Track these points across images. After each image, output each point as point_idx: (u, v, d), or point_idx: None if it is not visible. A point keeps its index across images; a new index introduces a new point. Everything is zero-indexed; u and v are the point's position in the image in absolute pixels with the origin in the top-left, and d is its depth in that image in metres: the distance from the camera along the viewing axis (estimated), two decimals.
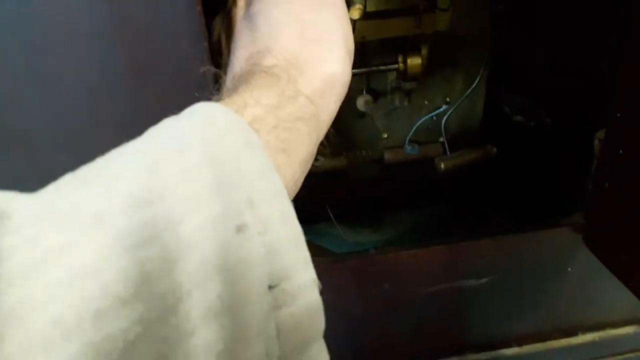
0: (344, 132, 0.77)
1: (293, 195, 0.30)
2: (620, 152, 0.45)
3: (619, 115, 0.44)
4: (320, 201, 0.83)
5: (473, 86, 0.70)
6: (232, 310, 0.19)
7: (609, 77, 0.47)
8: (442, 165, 0.71)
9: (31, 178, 0.42)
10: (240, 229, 0.21)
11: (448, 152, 0.75)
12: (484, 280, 0.55)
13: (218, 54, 0.41)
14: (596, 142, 0.49)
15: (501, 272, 0.55)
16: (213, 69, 0.38)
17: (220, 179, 0.21)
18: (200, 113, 0.25)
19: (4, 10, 0.33)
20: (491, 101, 0.75)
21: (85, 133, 0.40)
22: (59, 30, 0.35)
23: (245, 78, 0.31)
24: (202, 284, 0.18)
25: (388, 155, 0.79)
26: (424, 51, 0.64)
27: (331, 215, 0.85)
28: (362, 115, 0.75)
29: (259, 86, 0.30)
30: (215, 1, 0.36)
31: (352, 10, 0.50)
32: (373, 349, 0.55)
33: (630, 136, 0.43)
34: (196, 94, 0.34)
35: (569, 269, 0.56)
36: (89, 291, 0.16)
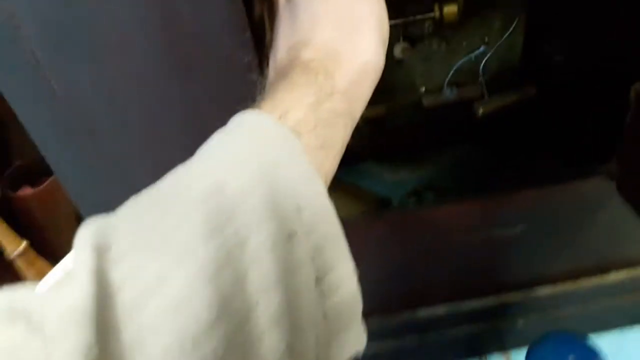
0: (381, 80, 0.78)
1: (331, 178, 0.32)
2: None
3: None
4: (362, 146, 0.86)
5: (512, 28, 0.69)
6: (290, 310, 0.23)
7: None
8: (481, 110, 0.72)
9: (96, 164, 0.47)
10: (291, 235, 0.24)
11: (486, 94, 0.75)
12: (519, 228, 0.58)
13: (261, 30, 0.43)
14: (632, 94, 0.49)
15: (536, 220, 0.58)
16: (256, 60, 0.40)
17: (274, 191, 0.25)
18: (249, 126, 0.29)
19: (67, 26, 0.37)
20: (530, 41, 0.73)
21: (143, 126, 0.44)
22: (114, 39, 0.38)
23: (285, 72, 0.34)
24: (265, 292, 0.22)
25: (427, 100, 0.80)
26: None
27: (369, 160, 0.88)
28: (400, 62, 0.76)
29: (298, 84, 0.32)
30: None
31: None
32: (414, 292, 0.60)
33: None
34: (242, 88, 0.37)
35: (602, 215, 0.58)
36: (185, 321, 0.20)
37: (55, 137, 0.44)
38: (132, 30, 0.38)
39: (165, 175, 0.28)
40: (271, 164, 0.26)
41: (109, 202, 0.30)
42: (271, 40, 0.41)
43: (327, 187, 0.28)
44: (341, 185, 0.85)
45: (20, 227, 0.94)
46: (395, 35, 0.72)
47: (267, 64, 0.40)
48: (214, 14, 0.38)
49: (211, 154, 0.28)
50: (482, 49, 0.75)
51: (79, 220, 0.27)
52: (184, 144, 0.46)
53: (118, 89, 0.41)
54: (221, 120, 0.45)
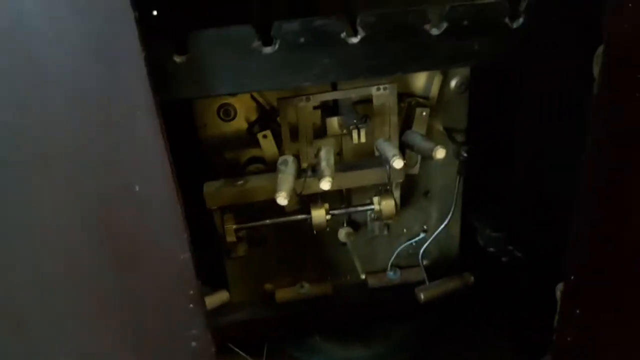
0: (327, 261, 0.81)
1: None
2: (577, 311, 0.47)
3: (572, 277, 0.47)
4: (309, 323, 0.84)
5: (447, 220, 0.74)
6: None
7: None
8: (422, 296, 0.74)
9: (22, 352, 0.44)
10: None
11: (426, 279, 0.77)
12: None
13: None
14: (558, 293, 0.52)
15: None
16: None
17: None
18: None
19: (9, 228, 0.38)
20: (467, 230, 0.78)
21: (76, 314, 0.43)
22: (59, 237, 0.39)
23: None
24: None
25: (371, 281, 0.82)
26: (397, 193, 0.69)
27: (317, 336, 0.86)
28: (345, 244, 0.79)
29: None
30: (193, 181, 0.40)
31: (323, 182, 0.54)
32: None
33: (584, 298, 0.46)
34: None
35: None
36: None
37: None
38: (75, 227, 0.39)
39: None
40: None
41: None
42: None
43: None
44: None
45: None
46: (340, 221, 0.76)
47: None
48: (152, 218, 0.40)
49: None
50: (421, 235, 0.79)
51: None
52: (114, 333, 0.45)
53: (52, 281, 0.41)
54: (156, 317, 0.45)
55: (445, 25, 0.44)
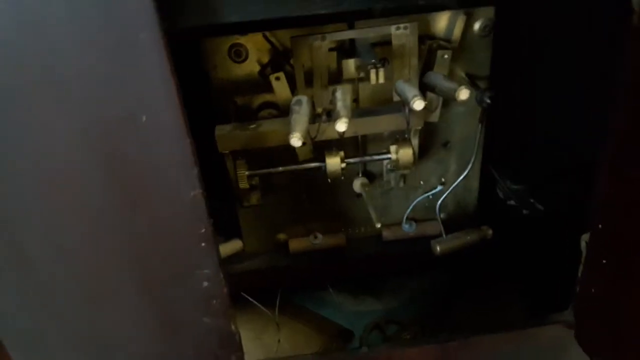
0: (341, 212, 0.79)
1: None
2: (604, 261, 0.45)
3: (600, 226, 0.45)
4: (321, 275, 0.84)
5: (467, 171, 0.72)
6: None
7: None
8: (438, 248, 0.72)
9: (29, 291, 0.44)
10: None
11: (444, 232, 0.75)
12: None
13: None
14: (583, 244, 0.50)
15: None
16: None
17: None
18: None
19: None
20: (487, 183, 0.76)
21: (84, 254, 0.42)
22: (59, 172, 0.37)
23: None
24: None
25: (386, 233, 0.81)
26: (415, 141, 0.66)
27: (330, 288, 0.86)
28: (360, 195, 0.77)
29: None
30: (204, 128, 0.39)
31: (339, 124, 0.52)
32: None
33: (612, 247, 0.44)
34: None
35: None
36: None
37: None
38: (78, 162, 0.37)
39: None
40: None
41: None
42: None
43: None
44: (303, 314, 0.82)
45: None
46: (355, 170, 0.74)
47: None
48: (159, 151, 0.38)
49: None
50: (439, 188, 0.77)
51: None
52: (123, 273, 0.44)
53: (60, 218, 0.40)
54: (167, 256, 0.44)
55: None
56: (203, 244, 0.43)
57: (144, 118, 0.37)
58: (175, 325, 0.47)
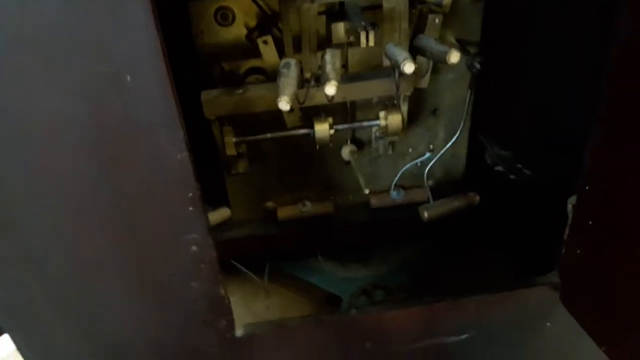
0: (330, 179, 0.79)
1: None
2: (590, 222, 0.46)
3: (587, 188, 0.45)
4: (309, 243, 0.84)
5: (455, 138, 0.72)
6: None
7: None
8: (426, 214, 0.72)
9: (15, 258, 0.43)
10: None
11: (431, 199, 0.76)
12: (464, 336, 0.56)
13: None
14: (569, 207, 0.51)
15: (481, 329, 0.56)
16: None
17: None
18: None
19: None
20: (474, 149, 0.76)
21: (71, 219, 0.41)
22: (43, 133, 0.36)
23: None
24: None
25: (374, 200, 0.81)
26: (404, 107, 0.65)
27: (319, 255, 0.86)
28: (348, 162, 0.76)
29: None
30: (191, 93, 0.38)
31: (328, 87, 0.51)
32: None
33: (597, 209, 0.45)
34: None
35: (548, 324, 0.57)
36: None
37: None
38: (61, 124, 0.36)
39: None
40: None
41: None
42: None
43: None
44: (292, 281, 0.82)
45: None
46: (344, 138, 0.74)
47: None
48: (145, 112, 0.37)
49: None
50: (427, 155, 0.77)
51: None
52: (111, 238, 0.44)
53: (44, 182, 0.39)
54: (154, 219, 0.43)
55: None
56: (191, 208, 0.43)
57: (128, 78, 0.36)
58: (164, 290, 0.47)
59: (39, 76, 0.35)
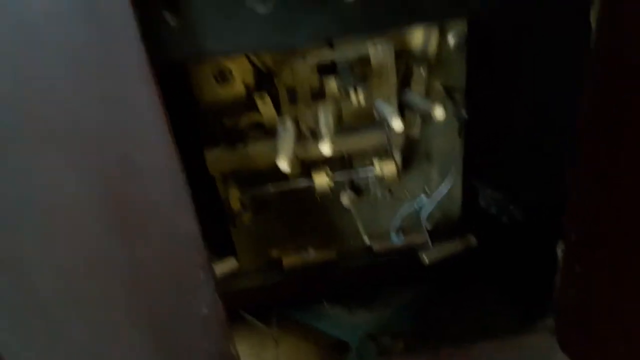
0: (331, 226, 0.81)
1: None
2: (578, 269, 0.48)
3: (572, 236, 0.47)
4: (315, 288, 0.85)
5: (448, 185, 0.74)
6: None
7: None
8: (427, 259, 0.74)
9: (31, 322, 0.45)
10: None
11: (430, 242, 0.78)
12: None
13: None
14: (559, 252, 0.52)
15: None
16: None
17: None
18: None
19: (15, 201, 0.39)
20: (469, 192, 0.78)
21: (86, 288, 0.44)
22: (62, 212, 0.40)
23: None
24: None
25: (375, 245, 0.83)
26: (397, 156, 0.68)
27: (324, 301, 0.87)
28: (348, 209, 0.79)
29: None
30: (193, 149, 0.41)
31: (323, 147, 0.54)
32: None
33: (584, 256, 0.46)
34: None
35: None
36: None
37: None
38: (81, 205, 0.39)
39: None
40: None
41: None
42: None
43: None
44: (299, 328, 0.83)
45: None
46: (342, 185, 0.76)
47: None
48: (156, 191, 0.40)
49: None
50: (424, 199, 0.79)
51: None
52: (129, 306, 0.46)
53: (65, 257, 0.41)
54: (166, 287, 0.45)
55: None
56: (201, 274, 0.45)
57: (136, 158, 0.39)
58: (176, 353, 0.49)
59: (56, 161, 0.38)
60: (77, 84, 0.36)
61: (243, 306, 0.79)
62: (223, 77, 0.65)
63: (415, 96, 0.61)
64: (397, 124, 0.54)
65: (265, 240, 0.80)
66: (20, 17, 0.34)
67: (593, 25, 0.43)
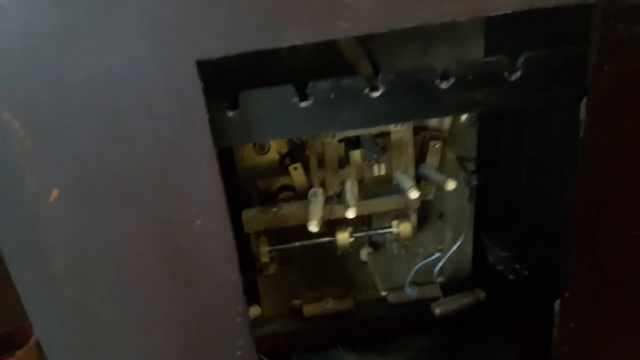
0: (350, 278, 0.88)
1: None
2: (572, 325, 0.54)
3: (567, 294, 0.54)
4: (332, 336, 0.92)
5: (459, 242, 0.81)
6: None
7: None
8: (437, 311, 0.80)
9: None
10: None
11: (442, 295, 0.84)
12: None
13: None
14: (557, 308, 0.59)
15: None
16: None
17: None
18: None
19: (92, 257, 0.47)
20: (479, 248, 0.85)
21: (139, 322, 0.52)
22: (129, 260, 0.48)
23: None
24: None
25: (390, 297, 0.89)
26: (414, 217, 0.76)
27: (339, 347, 0.93)
28: (365, 263, 0.86)
29: None
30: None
31: (348, 212, 0.62)
32: None
33: (578, 313, 0.53)
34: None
35: None
36: None
37: (62, 338, 0.51)
38: (143, 258, 0.48)
39: None
40: None
41: None
42: None
43: None
44: None
45: None
46: (362, 241, 0.84)
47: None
48: (209, 248, 0.49)
49: None
50: (436, 254, 0.86)
51: None
52: (174, 345, 0.53)
53: (124, 291, 0.49)
54: (209, 329, 0.53)
55: (453, 79, 0.52)
56: (238, 319, 0.53)
57: (198, 222, 0.47)
58: None
59: (135, 219, 0.46)
60: (155, 157, 0.45)
61: (265, 352, 0.85)
62: (262, 147, 0.74)
63: (430, 170, 0.69)
64: (414, 194, 0.62)
65: (288, 289, 0.88)
66: (117, 98, 0.43)
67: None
